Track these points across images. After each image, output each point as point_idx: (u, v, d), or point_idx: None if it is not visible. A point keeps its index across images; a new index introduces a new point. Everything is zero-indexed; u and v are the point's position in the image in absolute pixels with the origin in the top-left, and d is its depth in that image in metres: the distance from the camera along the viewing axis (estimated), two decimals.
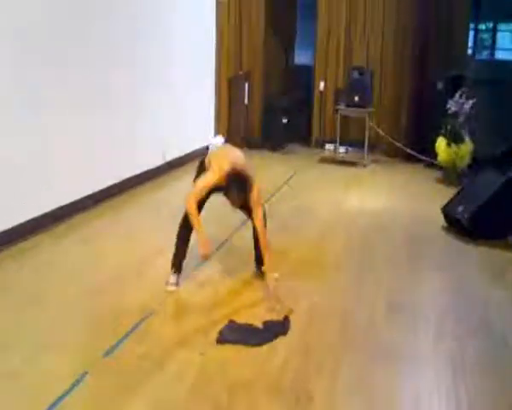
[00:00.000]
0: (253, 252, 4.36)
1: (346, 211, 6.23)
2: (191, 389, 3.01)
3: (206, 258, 4.09)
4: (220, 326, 3.56)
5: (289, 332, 3.58)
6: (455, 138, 7.20)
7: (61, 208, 5.40)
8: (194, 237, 4.11)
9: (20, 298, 3.98)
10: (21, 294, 4.05)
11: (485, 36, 10.20)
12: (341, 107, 8.32)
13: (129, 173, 6.54)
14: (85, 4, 5.60)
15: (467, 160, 7.27)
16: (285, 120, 9.10)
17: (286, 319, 3.71)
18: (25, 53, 4.84)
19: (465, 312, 3.99)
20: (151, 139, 6.97)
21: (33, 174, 5.00)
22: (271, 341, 3.47)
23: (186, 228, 4.11)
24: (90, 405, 2.89)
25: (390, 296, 4.14)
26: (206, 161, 4.19)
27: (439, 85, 7.83)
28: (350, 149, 8.74)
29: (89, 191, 5.82)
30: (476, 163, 7.02)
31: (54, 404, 2.83)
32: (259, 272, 4.32)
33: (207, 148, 4.48)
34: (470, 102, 7.16)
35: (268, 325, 3.63)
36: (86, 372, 3.07)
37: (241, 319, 3.67)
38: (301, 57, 10.23)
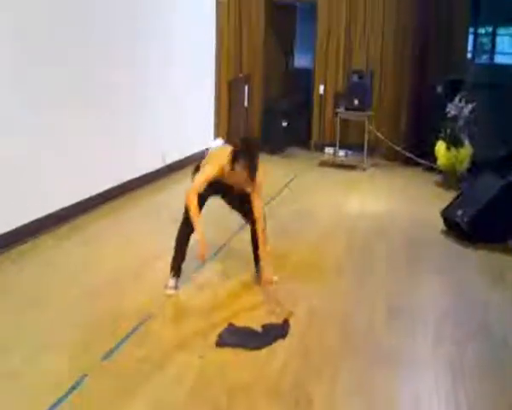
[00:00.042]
0: (253, 255, 4.36)
1: (346, 214, 6.23)
2: (190, 392, 3.00)
3: (202, 258, 3.99)
4: (219, 329, 3.56)
5: (289, 335, 3.58)
6: (454, 142, 7.21)
7: (63, 210, 5.41)
8: (193, 239, 4.11)
9: (20, 300, 3.98)
10: (21, 296, 4.05)
11: (485, 40, 10.21)
12: (341, 110, 8.34)
13: (129, 176, 6.55)
14: (85, 4, 5.61)
15: (466, 163, 7.28)
16: (285, 124, 9.12)
17: (285, 322, 3.70)
18: (25, 53, 4.84)
19: (464, 315, 3.99)
20: (151, 141, 6.99)
21: (33, 175, 4.99)
22: (270, 344, 3.46)
23: (185, 232, 4.10)
24: (89, 407, 2.88)
25: (389, 300, 4.14)
26: (203, 162, 4.18)
27: (439, 89, 7.84)
28: (349, 152, 8.75)
29: (89, 193, 5.82)
30: (475, 167, 7.03)
31: (53, 406, 2.82)
32: (259, 275, 4.33)
33: (207, 150, 4.49)
34: (470, 105, 7.17)
35: (267, 328, 3.63)
36: (86, 375, 3.07)
37: (241, 323, 3.67)
38: (301, 60, 10.26)
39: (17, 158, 4.79)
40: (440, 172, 7.56)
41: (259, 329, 3.61)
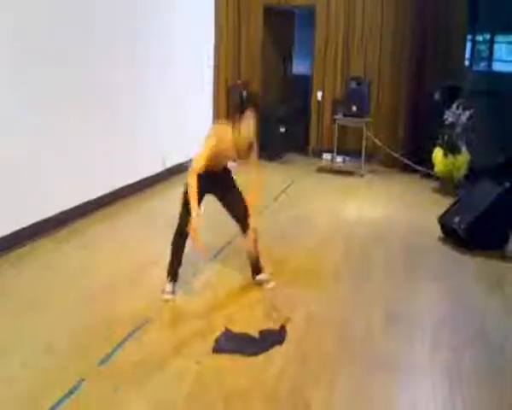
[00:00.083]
0: (248, 261, 4.37)
1: (344, 220, 6.23)
2: (187, 397, 2.99)
3: (199, 247, 3.95)
4: (216, 335, 3.56)
5: (286, 341, 3.57)
6: (452, 149, 7.23)
7: (62, 213, 5.42)
8: (189, 244, 4.12)
9: (18, 303, 3.98)
10: (20, 299, 4.05)
11: (483, 47, 10.25)
12: (339, 116, 8.36)
13: (129, 180, 6.57)
14: (85, 4, 5.62)
15: (463, 170, 7.31)
16: (283, 130, 9.13)
17: (282, 328, 3.70)
18: (25, 53, 4.85)
19: (462, 322, 3.99)
20: (151, 142, 7.00)
21: (33, 175, 5.00)
22: (268, 350, 3.46)
23: (181, 236, 4.10)
24: None
25: (387, 306, 4.14)
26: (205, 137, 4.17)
27: (437, 96, 7.86)
28: (347, 158, 8.77)
29: (89, 197, 5.83)
30: (473, 174, 7.05)
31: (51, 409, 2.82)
32: (255, 281, 4.35)
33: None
34: (467, 112, 7.20)
35: (264, 333, 3.63)
36: (83, 379, 3.06)
37: (238, 328, 3.67)
38: (299, 67, 10.28)
39: (17, 158, 4.79)
40: (438, 178, 7.58)
41: (256, 335, 3.61)
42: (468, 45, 8.89)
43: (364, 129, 8.25)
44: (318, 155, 9.07)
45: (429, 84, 8.12)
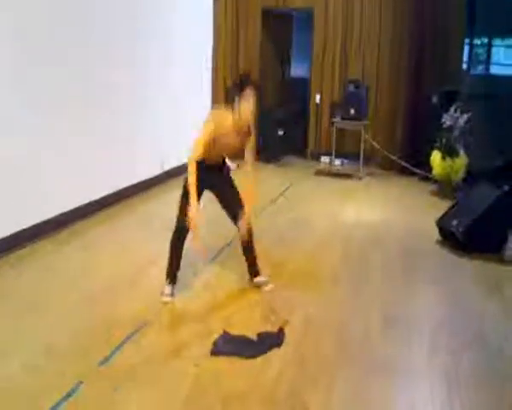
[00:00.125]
0: (246, 263, 4.37)
1: (342, 223, 6.24)
2: (185, 400, 2.99)
3: (193, 227, 3.90)
4: (214, 337, 3.56)
5: (284, 344, 3.57)
6: (449, 152, 7.24)
7: (62, 215, 5.42)
8: (187, 245, 4.12)
9: (18, 305, 3.98)
10: (20, 301, 4.05)
11: (480, 51, 10.27)
12: (337, 119, 8.37)
13: (128, 182, 6.58)
14: (85, 4, 5.63)
15: (461, 173, 7.32)
16: (281, 132, 9.14)
17: (280, 330, 3.70)
18: (25, 53, 4.85)
19: (460, 325, 3.99)
20: (151, 142, 7.01)
21: (33, 176, 5.00)
22: (266, 353, 3.45)
23: (179, 238, 4.10)
24: None
25: (385, 309, 4.14)
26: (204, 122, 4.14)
27: (434, 99, 7.88)
28: (345, 161, 8.77)
29: (89, 198, 5.83)
30: (471, 177, 7.07)
31: None
32: (253, 283, 4.35)
33: None
34: (465, 116, 7.21)
35: (262, 336, 3.62)
36: (81, 382, 3.06)
37: (236, 330, 3.67)
38: (297, 70, 10.29)
39: (17, 158, 4.79)
40: (436, 181, 7.59)
41: (255, 337, 3.61)
42: (466, 49, 8.91)
43: (362, 132, 8.26)
44: (316, 157, 9.07)
45: (427, 88, 8.14)
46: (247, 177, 4.18)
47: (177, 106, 7.48)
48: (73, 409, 2.87)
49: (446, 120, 7.29)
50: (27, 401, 2.94)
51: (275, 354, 3.46)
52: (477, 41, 9.93)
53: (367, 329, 3.84)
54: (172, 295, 4.13)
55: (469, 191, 5.89)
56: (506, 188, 5.33)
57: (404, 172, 8.29)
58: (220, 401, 2.98)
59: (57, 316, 3.84)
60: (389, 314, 4.05)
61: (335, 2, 8.73)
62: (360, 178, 8.23)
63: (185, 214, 3.88)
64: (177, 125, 7.47)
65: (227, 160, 4.30)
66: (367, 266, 5.01)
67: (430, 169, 7.56)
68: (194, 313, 3.96)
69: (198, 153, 3.89)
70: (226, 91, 8.95)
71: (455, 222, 5.40)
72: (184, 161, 4.00)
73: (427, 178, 7.82)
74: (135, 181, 6.72)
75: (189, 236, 4.05)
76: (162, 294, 4.11)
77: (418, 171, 8.05)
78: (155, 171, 7.19)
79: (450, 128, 7.27)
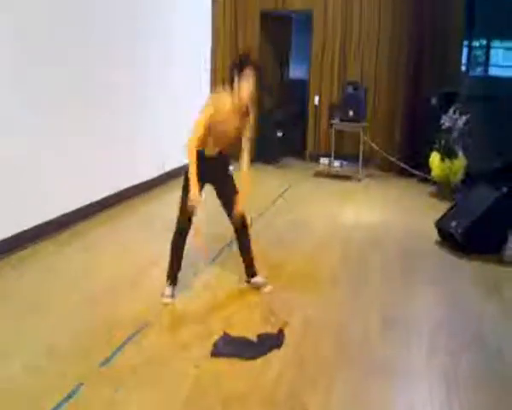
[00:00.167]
0: (243, 264, 4.38)
1: (341, 225, 6.25)
2: (186, 401, 3.00)
3: (193, 209, 3.94)
4: (214, 339, 3.56)
5: (284, 345, 3.58)
6: (448, 153, 7.26)
7: (63, 216, 5.44)
8: (188, 245, 4.14)
9: (20, 306, 4.00)
10: (21, 302, 4.07)
11: (479, 53, 10.29)
12: (336, 121, 8.38)
13: (129, 183, 6.60)
14: (85, 4, 5.63)
15: (460, 175, 7.33)
16: (280, 134, 9.15)
17: (280, 332, 3.71)
18: (25, 53, 4.86)
19: (459, 326, 4.01)
20: (151, 142, 7.01)
21: (33, 176, 5.00)
22: (266, 354, 3.46)
23: (180, 239, 4.11)
24: None
25: (384, 310, 4.15)
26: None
27: (433, 101, 7.89)
28: (344, 163, 8.80)
29: (90, 199, 5.84)
30: (469, 178, 7.08)
31: None
32: (250, 284, 4.36)
33: None
34: (464, 117, 7.23)
35: (262, 338, 3.63)
36: (81, 384, 3.07)
37: (236, 332, 3.68)
38: (296, 71, 10.30)
39: (17, 158, 4.79)
40: (435, 183, 7.60)
41: (254, 339, 3.62)
42: (465, 51, 8.93)
43: (361, 134, 8.27)
44: (315, 159, 9.09)
45: (426, 89, 8.16)
46: (243, 175, 4.19)
47: (177, 106, 7.48)
48: (74, 409, 2.88)
49: (445, 121, 7.30)
50: (28, 401, 2.95)
51: (274, 356, 3.46)
52: (476, 43, 9.94)
53: (366, 330, 3.85)
54: (173, 296, 4.14)
55: (468, 193, 5.91)
56: (504, 189, 5.34)
57: (403, 173, 8.31)
58: (220, 402, 2.99)
59: (58, 317, 3.85)
60: (388, 315, 4.06)
61: (334, 4, 8.75)
62: (359, 180, 8.24)
63: (186, 208, 3.89)
64: (177, 126, 7.46)
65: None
66: (366, 267, 5.02)
67: (429, 171, 7.57)
68: (195, 315, 3.97)
69: (199, 133, 3.90)
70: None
71: (454, 223, 5.42)
72: (185, 161, 4.00)
73: (426, 179, 7.83)
74: (136, 182, 6.73)
75: (191, 232, 4.08)
76: (163, 295, 4.12)
77: (417, 172, 8.06)
78: (156, 171, 7.19)
79: (449, 130, 7.28)
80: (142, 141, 6.84)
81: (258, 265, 4.37)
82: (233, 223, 4.20)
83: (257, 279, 4.36)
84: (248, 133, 4.15)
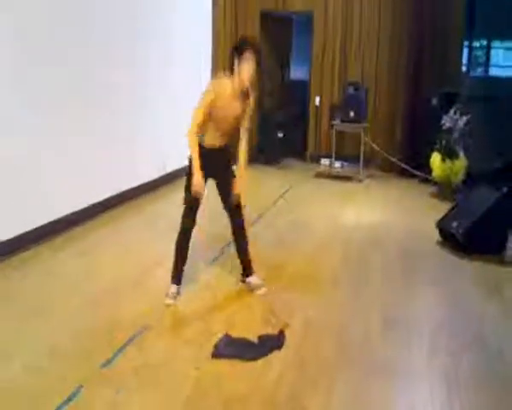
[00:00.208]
0: (240, 265, 4.39)
1: (342, 225, 6.25)
2: (187, 402, 3.00)
3: (197, 195, 3.94)
4: (215, 340, 3.57)
5: (285, 346, 3.58)
6: (449, 154, 7.25)
7: (64, 217, 5.43)
8: (191, 247, 4.14)
9: (22, 307, 4.00)
10: (24, 303, 4.07)
11: (480, 53, 10.29)
12: (337, 122, 8.38)
13: (129, 183, 6.59)
14: (85, 4, 5.64)
15: (461, 175, 7.33)
16: (281, 135, 9.15)
17: (281, 333, 3.71)
18: (25, 53, 4.86)
19: (460, 326, 4.00)
20: (151, 142, 7.01)
21: (33, 176, 5.00)
22: (266, 355, 3.46)
23: (184, 239, 4.12)
24: None
25: (385, 311, 4.15)
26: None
27: (434, 101, 7.89)
28: (345, 163, 8.79)
29: (91, 201, 5.85)
30: (470, 179, 7.08)
31: None
32: (246, 283, 4.36)
33: None
34: (464, 118, 7.22)
35: (263, 339, 3.63)
36: (82, 385, 3.07)
37: (237, 333, 3.68)
38: (297, 72, 10.30)
39: (17, 158, 4.80)
40: (435, 183, 7.60)
41: (255, 340, 3.62)
42: (465, 51, 8.93)
43: (362, 134, 8.27)
44: (316, 160, 9.09)
45: (427, 90, 8.15)
46: (240, 173, 4.18)
47: (177, 106, 7.48)
48: None
49: (446, 121, 7.30)
50: (29, 402, 2.95)
51: (275, 357, 3.47)
52: (476, 43, 9.94)
53: (367, 331, 3.85)
54: (178, 293, 4.14)
55: (469, 193, 5.91)
56: (505, 190, 5.34)
57: (403, 174, 8.30)
58: (221, 403, 2.99)
59: (60, 318, 3.86)
60: (389, 316, 4.06)
61: (335, 5, 8.75)
62: (360, 181, 8.24)
63: (190, 201, 3.91)
64: (178, 126, 7.46)
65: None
66: (367, 268, 5.02)
67: (430, 171, 7.57)
68: (195, 316, 3.97)
69: (198, 120, 3.90)
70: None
71: (455, 224, 5.41)
72: (185, 162, 4.01)
73: (426, 180, 7.82)
74: (137, 182, 6.74)
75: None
76: (167, 295, 4.11)
77: (418, 173, 8.06)
78: (157, 172, 7.19)
79: (450, 130, 7.28)
80: (143, 141, 6.85)
81: (258, 266, 4.38)
82: (228, 205, 4.16)
83: (251, 279, 4.34)
84: (247, 123, 4.15)
